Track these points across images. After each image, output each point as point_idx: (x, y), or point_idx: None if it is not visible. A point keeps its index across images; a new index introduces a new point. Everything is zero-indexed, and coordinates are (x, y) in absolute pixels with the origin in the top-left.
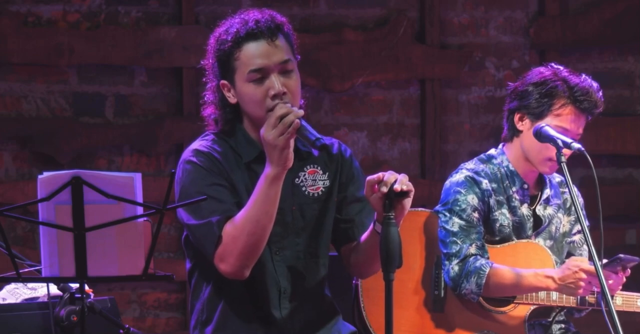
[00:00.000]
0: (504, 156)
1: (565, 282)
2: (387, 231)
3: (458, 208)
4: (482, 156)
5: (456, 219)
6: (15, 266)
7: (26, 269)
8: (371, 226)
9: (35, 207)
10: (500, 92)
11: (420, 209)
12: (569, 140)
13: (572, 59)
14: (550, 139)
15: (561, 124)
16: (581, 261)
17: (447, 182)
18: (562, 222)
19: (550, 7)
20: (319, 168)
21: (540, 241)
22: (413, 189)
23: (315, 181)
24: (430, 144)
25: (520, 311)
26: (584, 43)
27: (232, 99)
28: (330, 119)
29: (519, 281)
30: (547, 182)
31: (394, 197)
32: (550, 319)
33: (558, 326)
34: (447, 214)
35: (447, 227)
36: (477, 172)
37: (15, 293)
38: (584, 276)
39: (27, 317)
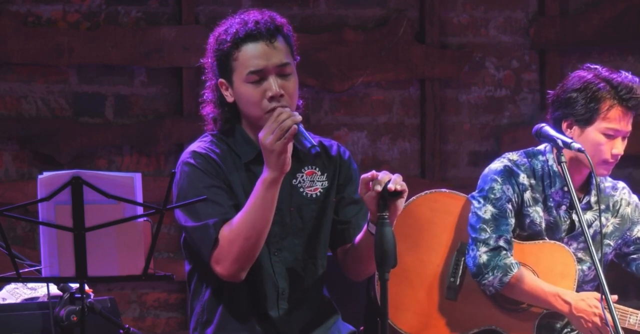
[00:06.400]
0: (551, 154)
1: (578, 314)
2: (381, 231)
3: (493, 196)
4: (529, 149)
5: (490, 207)
6: (15, 266)
7: (26, 269)
8: (365, 227)
9: (35, 207)
10: (500, 92)
11: (455, 192)
12: (568, 140)
13: (572, 59)
14: (551, 139)
15: (611, 125)
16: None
17: (486, 169)
18: (606, 223)
19: (550, 7)
20: (317, 169)
21: (574, 244)
22: (407, 189)
23: (313, 182)
24: (430, 144)
25: (533, 312)
26: (584, 43)
27: (230, 98)
28: (330, 119)
29: (539, 295)
30: (592, 187)
31: (388, 197)
32: (563, 323)
33: (567, 329)
34: (481, 200)
35: (480, 213)
36: (517, 165)
37: (15, 293)
38: (597, 320)
39: (27, 317)
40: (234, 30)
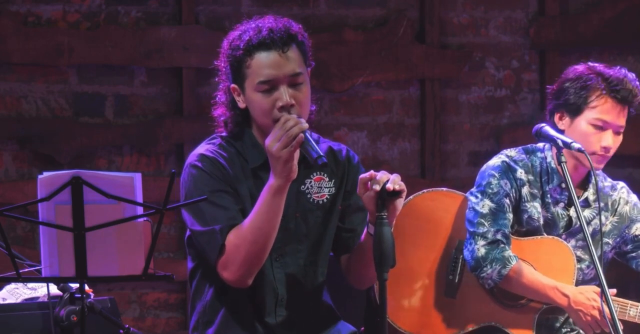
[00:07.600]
0: (550, 152)
1: (577, 307)
2: (380, 231)
3: (490, 191)
4: (528, 146)
5: (487, 202)
6: (15, 266)
7: (26, 269)
8: (365, 230)
9: (35, 207)
10: (500, 92)
11: (453, 191)
12: (569, 140)
13: (572, 59)
14: (550, 139)
15: (599, 116)
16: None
17: (484, 166)
18: (605, 222)
19: (550, 7)
20: (325, 175)
21: (572, 241)
22: (405, 189)
23: (320, 188)
24: (430, 144)
25: (532, 307)
26: (584, 43)
27: (241, 104)
28: (330, 119)
29: (537, 288)
30: (591, 185)
31: (387, 197)
32: (563, 321)
33: (566, 329)
34: (479, 195)
35: (477, 208)
36: (515, 161)
37: (15, 293)
38: (596, 313)
39: (27, 317)
40: (248, 38)
